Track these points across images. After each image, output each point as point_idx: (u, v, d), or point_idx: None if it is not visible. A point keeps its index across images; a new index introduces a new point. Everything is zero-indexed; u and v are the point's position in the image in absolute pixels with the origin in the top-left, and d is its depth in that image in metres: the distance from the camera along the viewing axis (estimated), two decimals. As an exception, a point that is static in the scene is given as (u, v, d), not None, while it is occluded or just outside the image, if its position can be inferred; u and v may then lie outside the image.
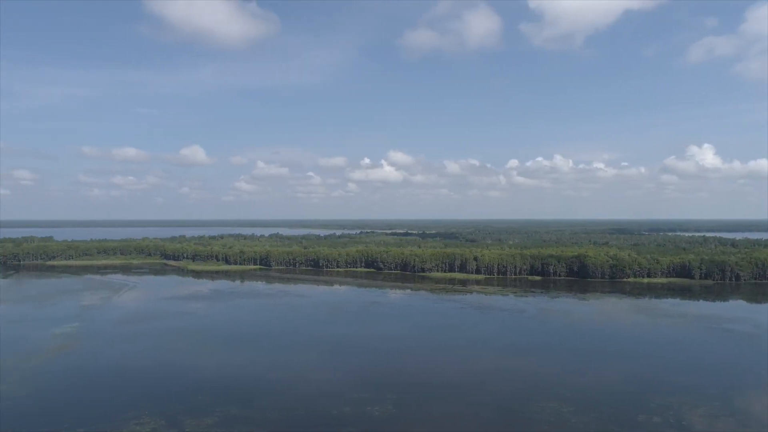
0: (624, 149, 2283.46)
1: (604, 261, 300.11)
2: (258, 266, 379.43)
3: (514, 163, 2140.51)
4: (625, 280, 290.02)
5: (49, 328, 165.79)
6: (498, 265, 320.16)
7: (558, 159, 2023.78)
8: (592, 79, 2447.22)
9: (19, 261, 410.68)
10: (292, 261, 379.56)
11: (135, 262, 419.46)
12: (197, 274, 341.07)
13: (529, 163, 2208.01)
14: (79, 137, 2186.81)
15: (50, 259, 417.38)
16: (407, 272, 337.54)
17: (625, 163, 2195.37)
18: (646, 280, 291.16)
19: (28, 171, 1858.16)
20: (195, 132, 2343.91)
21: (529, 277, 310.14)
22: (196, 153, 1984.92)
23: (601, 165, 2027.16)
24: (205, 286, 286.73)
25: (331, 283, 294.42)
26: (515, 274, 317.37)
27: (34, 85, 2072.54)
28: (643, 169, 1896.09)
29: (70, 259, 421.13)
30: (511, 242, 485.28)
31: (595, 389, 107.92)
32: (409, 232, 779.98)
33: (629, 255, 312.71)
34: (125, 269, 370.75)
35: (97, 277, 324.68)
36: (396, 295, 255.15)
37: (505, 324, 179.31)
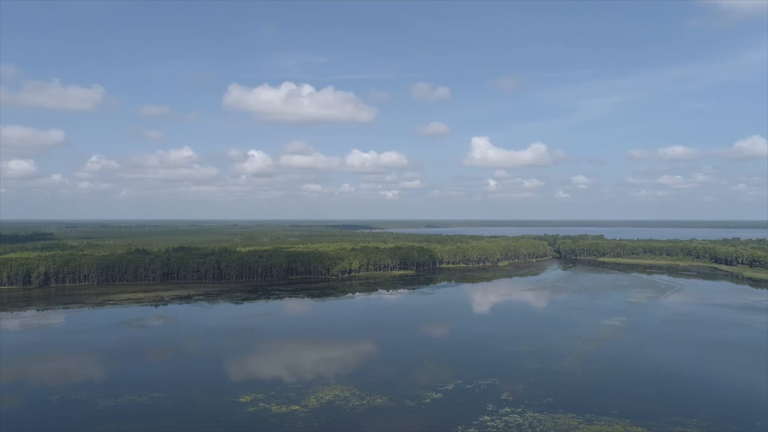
0: None
1: None
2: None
3: None
4: None
5: (599, 319, 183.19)
6: None
7: None
8: None
9: (576, 256, 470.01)
10: None
11: (681, 263, 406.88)
12: (755, 283, 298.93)
13: None
14: (627, 141, 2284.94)
15: (601, 256, 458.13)
16: None
17: None
18: None
19: (585, 176, 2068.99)
20: (753, 121, 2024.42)
21: None
22: (756, 144, 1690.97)
23: None
24: (765, 296, 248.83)
25: None
26: None
27: (584, 100, 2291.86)
28: None
29: (617, 256, 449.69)
30: None
31: None
32: None
33: None
34: (671, 270, 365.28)
35: (643, 275, 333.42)
36: None
37: None
